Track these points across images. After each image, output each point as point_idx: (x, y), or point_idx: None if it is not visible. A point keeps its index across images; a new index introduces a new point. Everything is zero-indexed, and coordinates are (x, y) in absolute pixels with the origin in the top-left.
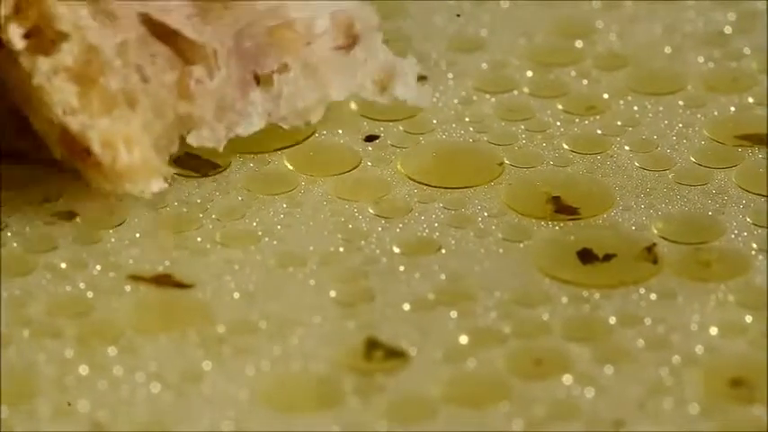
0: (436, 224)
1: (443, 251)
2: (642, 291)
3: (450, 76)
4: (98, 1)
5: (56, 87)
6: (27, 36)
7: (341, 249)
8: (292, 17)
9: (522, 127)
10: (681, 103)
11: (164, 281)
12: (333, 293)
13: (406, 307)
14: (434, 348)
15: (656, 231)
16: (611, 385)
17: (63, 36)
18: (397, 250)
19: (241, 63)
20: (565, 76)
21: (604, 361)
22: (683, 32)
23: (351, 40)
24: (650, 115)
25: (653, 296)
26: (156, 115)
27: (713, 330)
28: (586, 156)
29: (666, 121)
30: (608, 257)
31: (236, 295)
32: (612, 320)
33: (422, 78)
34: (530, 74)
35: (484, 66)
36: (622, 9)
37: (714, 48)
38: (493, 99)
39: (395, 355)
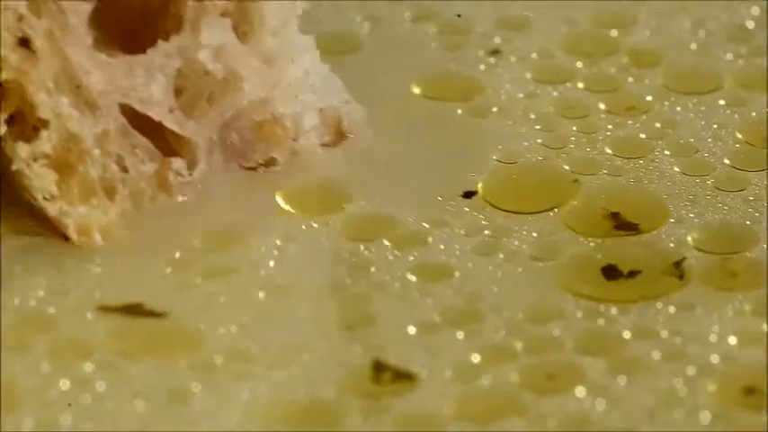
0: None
1: (457, 274)
2: (660, 305)
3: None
4: (79, 90)
5: (35, 173)
6: (8, 122)
7: None
8: (280, 112)
9: (575, 128)
10: (722, 102)
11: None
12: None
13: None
14: (444, 368)
15: (691, 242)
16: (623, 396)
17: (43, 123)
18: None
19: (226, 156)
20: (606, 68)
21: (618, 372)
22: (707, 28)
23: (338, 137)
24: (691, 116)
25: (671, 309)
26: (135, 205)
27: (731, 340)
28: (630, 160)
29: (703, 122)
30: (633, 274)
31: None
32: (627, 334)
33: (495, 52)
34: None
35: (534, 55)
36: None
37: (740, 44)
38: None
39: (403, 377)
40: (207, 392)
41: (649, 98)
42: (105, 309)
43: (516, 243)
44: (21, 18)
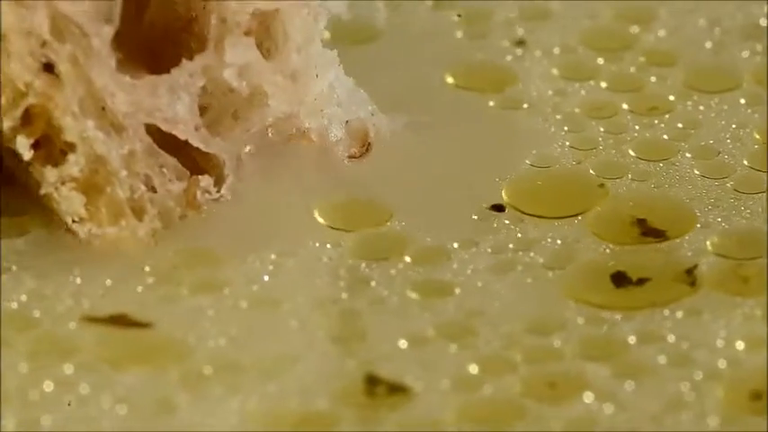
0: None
1: (457, 291)
2: (666, 312)
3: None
4: (105, 112)
5: (63, 197)
6: (35, 146)
7: None
8: (306, 126)
9: (602, 129)
10: (743, 101)
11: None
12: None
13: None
14: (440, 380)
15: (710, 247)
16: (630, 401)
17: (70, 147)
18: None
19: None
20: (626, 67)
21: (624, 378)
22: (722, 26)
23: (365, 149)
24: (713, 115)
25: (679, 314)
26: (164, 224)
27: (739, 345)
28: (652, 163)
29: (723, 122)
30: (642, 281)
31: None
32: (632, 339)
33: (520, 43)
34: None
35: (557, 50)
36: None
37: (755, 42)
38: (583, 91)
39: (398, 390)
40: (195, 403)
41: (672, 98)
42: (91, 319)
43: (532, 254)
44: (44, 43)
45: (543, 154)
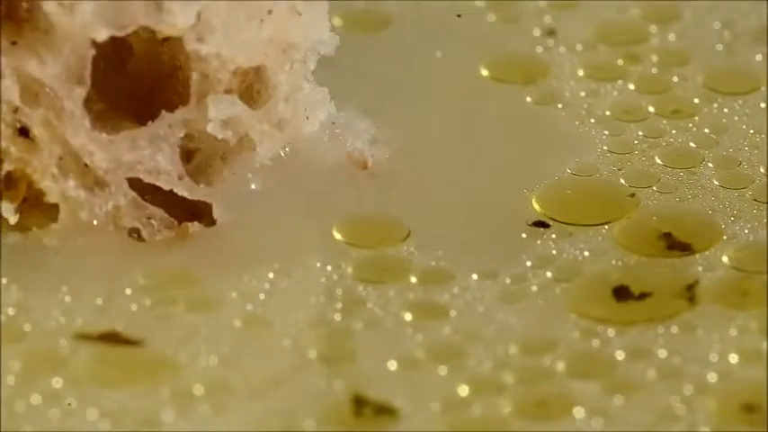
0: None
1: (452, 314)
2: (661, 328)
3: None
4: (88, 169)
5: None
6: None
7: None
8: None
9: (640, 133)
10: (762, 105)
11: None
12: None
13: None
14: (428, 402)
15: (726, 261)
16: (619, 415)
17: (54, 207)
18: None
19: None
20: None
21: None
22: (733, 30)
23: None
24: (736, 119)
25: (674, 329)
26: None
27: (732, 358)
28: (675, 173)
29: (744, 126)
30: (643, 296)
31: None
32: (621, 355)
33: (551, 33)
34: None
35: (579, 47)
36: None
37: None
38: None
39: (385, 411)
40: (181, 421)
41: (696, 101)
42: (83, 336)
43: (548, 273)
44: (16, 109)
45: (585, 162)
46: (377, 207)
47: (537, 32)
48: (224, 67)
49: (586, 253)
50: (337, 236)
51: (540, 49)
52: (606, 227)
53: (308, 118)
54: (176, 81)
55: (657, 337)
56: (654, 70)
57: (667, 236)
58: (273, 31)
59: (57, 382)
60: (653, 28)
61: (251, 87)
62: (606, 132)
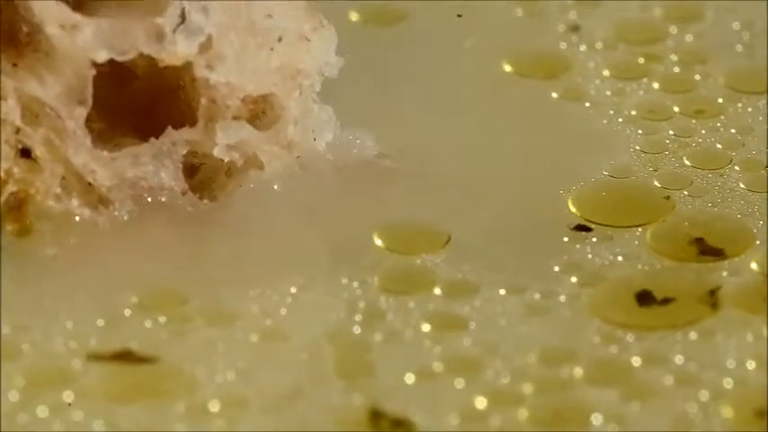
0: None
1: (472, 326)
2: (680, 335)
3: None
4: (90, 188)
5: None
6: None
7: None
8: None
9: (671, 132)
10: None
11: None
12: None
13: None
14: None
15: (755, 267)
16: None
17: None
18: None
19: None
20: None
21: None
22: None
23: None
24: (760, 118)
25: (693, 335)
26: None
27: (750, 364)
28: (703, 175)
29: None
30: (666, 301)
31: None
32: (638, 362)
33: (575, 29)
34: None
35: (599, 45)
36: None
37: None
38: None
39: (401, 424)
40: None
41: (720, 100)
42: (96, 357)
43: (575, 279)
44: (18, 130)
45: (621, 163)
46: (410, 213)
47: (561, 28)
48: (233, 94)
49: (620, 258)
50: (378, 242)
51: (563, 46)
52: (639, 230)
53: (315, 139)
54: (178, 98)
55: (675, 344)
56: (676, 69)
57: (699, 241)
58: (283, 58)
59: (68, 396)
60: (673, 28)
61: (260, 111)
62: (640, 131)
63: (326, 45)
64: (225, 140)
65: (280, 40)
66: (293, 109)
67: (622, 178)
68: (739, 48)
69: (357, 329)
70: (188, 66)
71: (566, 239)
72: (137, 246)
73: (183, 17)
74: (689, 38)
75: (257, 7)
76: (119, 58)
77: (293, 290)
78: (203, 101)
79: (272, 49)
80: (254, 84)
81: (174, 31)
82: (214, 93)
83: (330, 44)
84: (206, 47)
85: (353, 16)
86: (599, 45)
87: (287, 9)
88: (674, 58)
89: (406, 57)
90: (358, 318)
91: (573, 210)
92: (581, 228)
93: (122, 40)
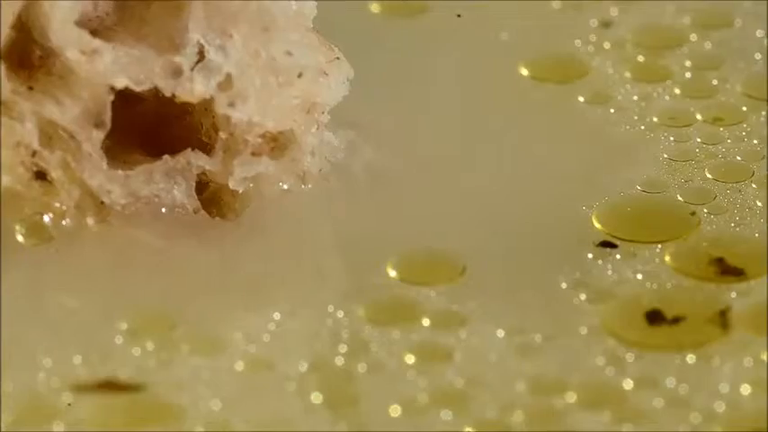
0: None
1: (457, 358)
2: (677, 360)
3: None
4: (103, 206)
5: None
6: None
7: None
8: None
9: (699, 140)
10: None
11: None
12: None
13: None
14: None
15: None
16: None
17: None
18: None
19: None
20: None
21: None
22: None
23: None
24: None
25: (690, 358)
26: None
27: (744, 389)
28: (723, 189)
29: None
30: (676, 320)
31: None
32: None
33: (606, 25)
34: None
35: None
36: None
37: None
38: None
39: None
40: None
41: (744, 108)
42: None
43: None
44: (34, 153)
45: (652, 177)
46: (422, 240)
47: (594, 23)
48: (253, 131)
49: (639, 276)
50: (392, 273)
51: (587, 48)
52: (659, 247)
53: (321, 170)
54: (184, 121)
55: (672, 366)
56: (692, 75)
57: (719, 261)
58: (301, 94)
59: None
60: (693, 36)
61: (278, 146)
62: (672, 138)
63: (342, 78)
64: (242, 175)
65: (300, 76)
66: (311, 142)
67: (650, 193)
68: (758, 56)
69: (340, 360)
70: (205, 102)
71: (590, 256)
72: (127, 265)
73: (201, 54)
74: (707, 45)
75: (276, 44)
76: (136, 88)
77: (277, 316)
78: (222, 134)
79: (292, 85)
80: (274, 121)
81: (192, 69)
82: (232, 127)
83: (345, 77)
84: (226, 85)
85: (374, 7)
86: (622, 49)
87: (305, 43)
88: (688, 63)
89: (425, 50)
90: (343, 348)
91: (597, 226)
92: (606, 244)
93: (139, 70)
